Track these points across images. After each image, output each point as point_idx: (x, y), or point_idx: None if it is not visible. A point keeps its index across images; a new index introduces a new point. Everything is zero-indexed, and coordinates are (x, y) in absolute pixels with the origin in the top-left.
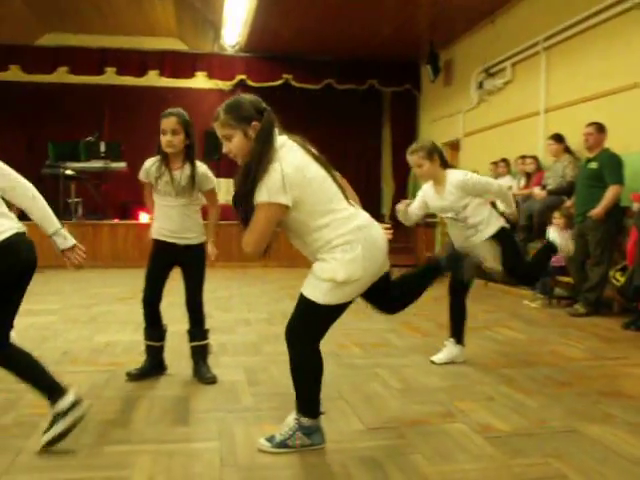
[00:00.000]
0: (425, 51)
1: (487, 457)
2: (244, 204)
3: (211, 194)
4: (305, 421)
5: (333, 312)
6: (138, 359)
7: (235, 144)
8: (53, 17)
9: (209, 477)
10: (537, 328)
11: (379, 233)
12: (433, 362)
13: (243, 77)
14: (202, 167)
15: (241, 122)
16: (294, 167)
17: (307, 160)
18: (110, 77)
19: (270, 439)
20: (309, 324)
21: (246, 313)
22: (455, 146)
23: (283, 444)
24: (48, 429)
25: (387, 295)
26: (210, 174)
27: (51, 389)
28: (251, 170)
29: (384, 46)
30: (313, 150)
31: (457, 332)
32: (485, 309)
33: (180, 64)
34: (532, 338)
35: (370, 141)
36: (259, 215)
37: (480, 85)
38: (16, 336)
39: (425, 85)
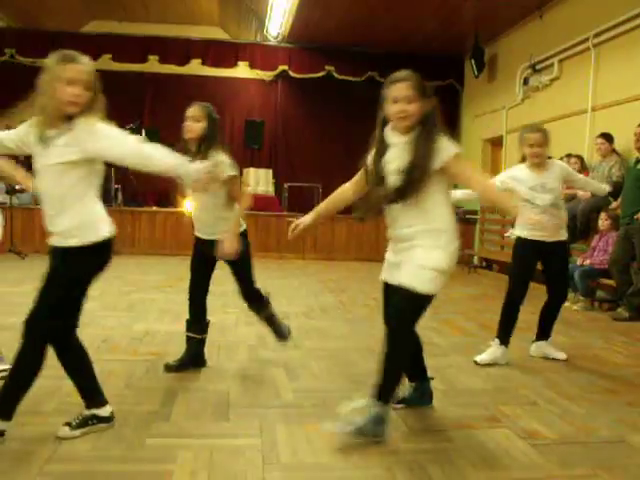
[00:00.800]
0: (469, 46)
1: (534, 465)
2: (424, 166)
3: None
4: (381, 410)
5: (429, 301)
6: (177, 350)
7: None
8: (98, 5)
9: (252, 476)
10: (579, 332)
11: None
12: (476, 362)
13: (285, 68)
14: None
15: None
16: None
17: None
18: (152, 65)
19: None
20: (414, 313)
21: (285, 306)
22: (498, 143)
23: (360, 431)
24: (73, 427)
25: None
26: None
27: (94, 395)
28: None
29: (428, 40)
30: None
31: (504, 333)
32: (525, 309)
33: (223, 53)
34: (574, 342)
35: None
36: (464, 162)
37: (525, 81)
38: None
39: (468, 80)
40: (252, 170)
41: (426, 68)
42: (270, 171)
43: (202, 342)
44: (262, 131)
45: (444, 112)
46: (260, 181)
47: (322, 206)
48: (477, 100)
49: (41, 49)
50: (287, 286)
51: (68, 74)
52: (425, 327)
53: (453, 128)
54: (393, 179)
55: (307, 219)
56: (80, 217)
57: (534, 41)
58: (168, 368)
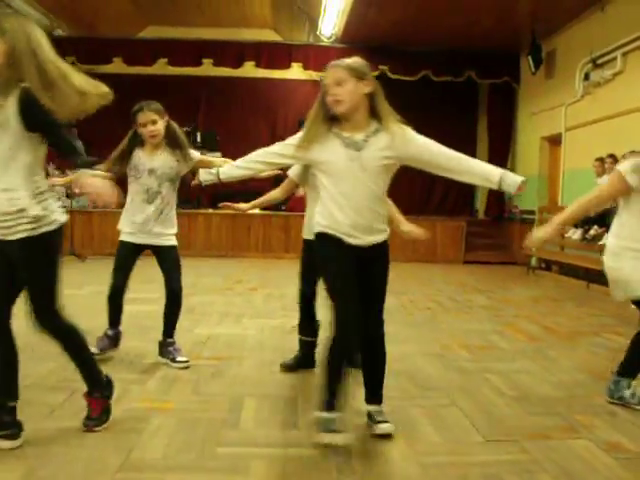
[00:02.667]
0: (526, 42)
1: None
2: None
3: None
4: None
5: None
6: (241, 354)
7: None
8: (153, 11)
9: None
10: None
11: None
12: None
13: None
14: None
15: None
16: None
17: None
18: (207, 68)
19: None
20: None
21: None
22: (556, 141)
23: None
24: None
25: None
26: None
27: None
28: None
29: (483, 37)
30: None
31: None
32: (590, 312)
33: (276, 55)
34: None
35: (465, 134)
36: None
37: (586, 77)
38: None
39: (525, 77)
40: None
41: (481, 65)
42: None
43: (314, 344)
44: None
45: (499, 111)
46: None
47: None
48: (534, 97)
49: (100, 56)
50: None
51: None
52: (488, 331)
53: (508, 126)
54: None
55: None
56: None
57: (595, 34)
58: (284, 367)
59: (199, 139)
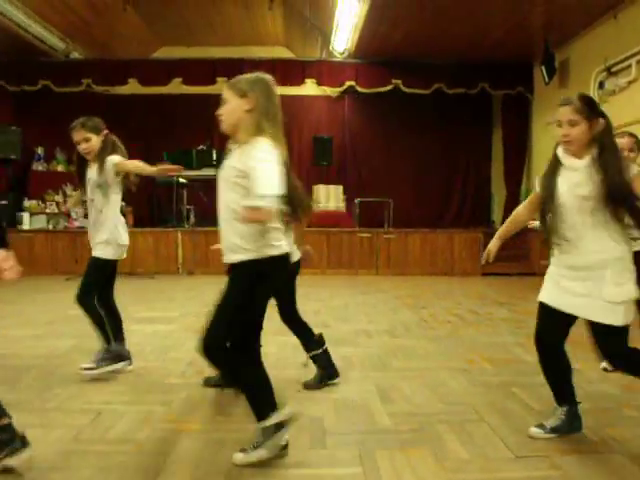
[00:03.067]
0: (539, 51)
1: None
2: (625, 191)
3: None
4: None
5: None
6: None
7: (578, 131)
8: (167, 32)
9: None
10: None
11: None
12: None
13: (352, 83)
14: None
15: (590, 114)
16: None
17: None
18: (221, 87)
19: (541, 426)
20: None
21: (365, 324)
22: None
23: (555, 430)
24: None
25: None
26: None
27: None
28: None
29: (496, 48)
30: None
31: None
32: None
33: (290, 72)
34: None
35: (479, 146)
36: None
37: (600, 85)
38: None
39: (538, 87)
40: (322, 187)
41: (494, 77)
42: (340, 187)
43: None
44: (330, 147)
45: (514, 122)
46: (330, 197)
47: (503, 230)
48: (548, 107)
49: (115, 77)
50: (364, 303)
51: None
52: (511, 343)
53: (523, 137)
54: (568, 200)
55: (494, 246)
56: None
57: (609, 43)
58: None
59: (215, 157)
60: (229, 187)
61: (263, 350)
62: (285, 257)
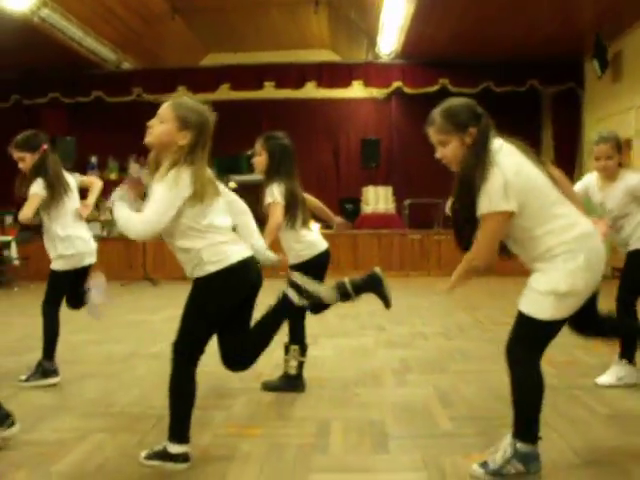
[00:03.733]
0: (590, 45)
1: None
2: (466, 216)
3: None
4: (522, 447)
5: (554, 327)
6: (321, 375)
7: (450, 150)
8: (213, 39)
9: None
10: None
11: (600, 243)
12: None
13: (399, 84)
14: None
15: (458, 128)
16: (514, 172)
17: (527, 164)
18: (268, 91)
19: (484, 465)
20: (531, 342)
21: (420, 326)
22: (625, 146)
23: (498, 472)
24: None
25: (592, 315)
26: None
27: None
28: (469, 179)
29: (545, 43)
30: (532, 153)
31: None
32: None
33: (337, 74)
34: None
35: (529, 144)
36: (485, 227)
37: None
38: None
39: (590, 82)
40: (371, 188)
41: (544, 73)
42: (390, 188)
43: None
44: (378, 149)
45: (564, 119)
46: (380, 199)
47: None
48: (601, 102)
49: (165, 86)
50: (417, 305)
51: None
52: (571, 345)
53: (574, 134)
54: None
55: None
56: None
57: None
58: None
59: None
60: None
61: (319, 354)
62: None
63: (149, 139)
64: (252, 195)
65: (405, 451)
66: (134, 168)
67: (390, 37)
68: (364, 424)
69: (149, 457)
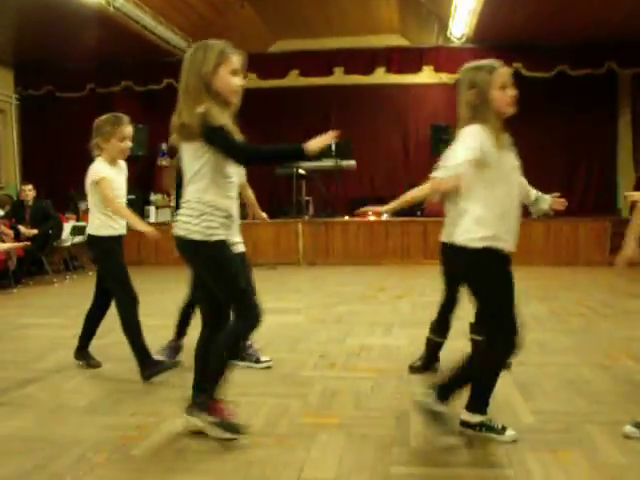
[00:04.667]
0: None
1: None
2: None
3: None
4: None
5: None
6: (396, 366)
7: None
8: (282, 26)
9: None
10: None
11: None
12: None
13: None
14: None
15: None
16: None
17: None
18: (337, 77)
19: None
20: None
21: None
22: None
23: None
24: None
25: None
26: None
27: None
28: None
29: (625, 23)
30: None
31: None
32: None
33: (407, 59)
34: None
35: (604, 130)
36: None
37: None
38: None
39: None
40: None
41: (623, 54)
42: None
43: (441, 345)
44: (448, 135)
45: None
46: None
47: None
48: None
49: None
50: None
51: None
52: None
53: None
54: None
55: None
56: None
57: None
58: (413, 369)
59: (333, 148)
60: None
61: (393, 343)
62: None
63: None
64: None
65: (489, 446)
66: None
67: (462, 20)
68: (444, 417)
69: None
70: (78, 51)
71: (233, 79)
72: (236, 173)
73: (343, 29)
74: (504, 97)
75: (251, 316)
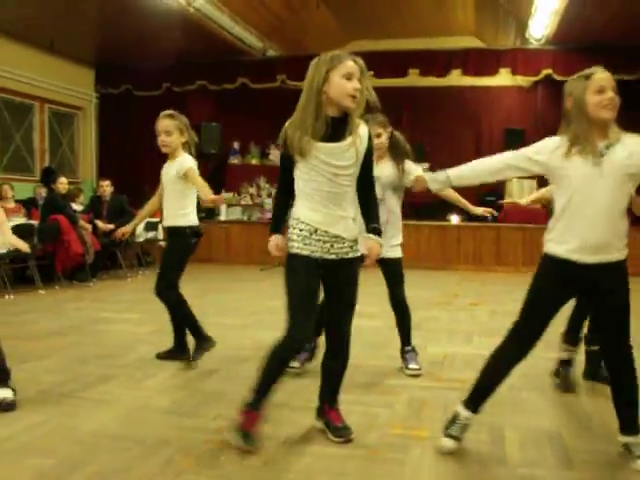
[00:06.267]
0: None
1: None
2: None
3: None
4: None
5: None
6: None
7: None
8: (357, 27)
9: None
10: None
11: None
12: None
13: (549, 71)
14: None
15: None
16: None
17: None
18: (412, 79)
19: None
20: None
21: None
22: None
23: None
24: None
25: None
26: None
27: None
28: None
29: None
30: None
31: None
32: None
33: (484, 61)
34: None
35: None
36: None
37: None
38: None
39: None
40: (515, 181)
41: None
42: (534, 181)
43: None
44: (522, 139)
45: None
46: (524, 192)
47: None
48: None
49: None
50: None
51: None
52: None
53: None
54: None
55: None
56: None
57: None
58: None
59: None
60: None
61: (475, 352)
62: None
63: None
64: None
65: (591, 469)
66: (275, 154)
67: (542, 21)
68: (541, 434)
69: None
70: (156, 51)
71: (347, 83)
72: None
73: (418, 30)
74: (600, 100)
75: (287, 334)
